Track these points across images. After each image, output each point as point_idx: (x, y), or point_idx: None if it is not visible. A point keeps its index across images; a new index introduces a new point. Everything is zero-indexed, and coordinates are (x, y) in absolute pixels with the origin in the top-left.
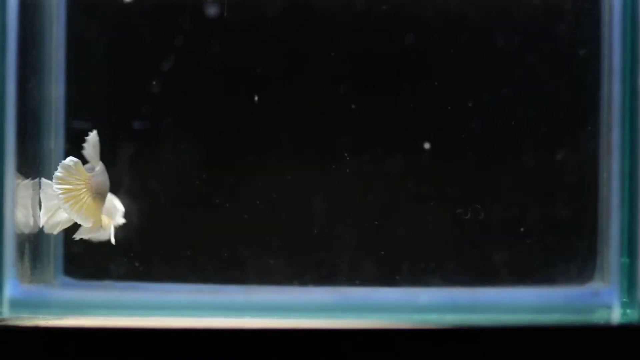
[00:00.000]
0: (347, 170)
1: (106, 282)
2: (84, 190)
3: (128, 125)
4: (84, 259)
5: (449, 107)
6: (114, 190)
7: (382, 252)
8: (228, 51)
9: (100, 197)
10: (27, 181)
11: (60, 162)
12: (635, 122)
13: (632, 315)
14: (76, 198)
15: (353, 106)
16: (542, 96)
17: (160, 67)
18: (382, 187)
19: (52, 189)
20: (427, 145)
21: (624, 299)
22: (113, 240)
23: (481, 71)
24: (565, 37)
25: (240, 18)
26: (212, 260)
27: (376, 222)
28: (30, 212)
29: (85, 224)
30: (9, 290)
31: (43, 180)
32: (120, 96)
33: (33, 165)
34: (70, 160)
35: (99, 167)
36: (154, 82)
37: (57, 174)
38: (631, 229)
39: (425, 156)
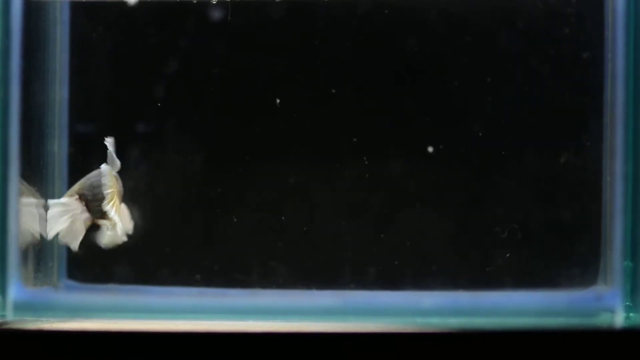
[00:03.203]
0: (351, 174)
1: (110, 285)
2: (116, 193)
3: (132, 128)
4: (87, 262)
5: (452, 110)
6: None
7: (385, 256)
8: (232, 54)
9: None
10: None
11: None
12: (639, 125)
13: (635, 319)
14: (113, 201)
15: (356, 110)
16: (546, 99)
17: (164, 70)
18: (386, 191)
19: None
20: (430, 149)
21: (627, 303)
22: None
23: (485, 74)
24: (569, 40)
25: (244, 21)
26: (216, 263)
27: (379, 226)
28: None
29: (119, 225)
30: (13, 293)
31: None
32: (124, 99)
33: (37, 168)
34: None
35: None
36: (157, 85)
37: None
38: (634, 233)
39: (429, 159)
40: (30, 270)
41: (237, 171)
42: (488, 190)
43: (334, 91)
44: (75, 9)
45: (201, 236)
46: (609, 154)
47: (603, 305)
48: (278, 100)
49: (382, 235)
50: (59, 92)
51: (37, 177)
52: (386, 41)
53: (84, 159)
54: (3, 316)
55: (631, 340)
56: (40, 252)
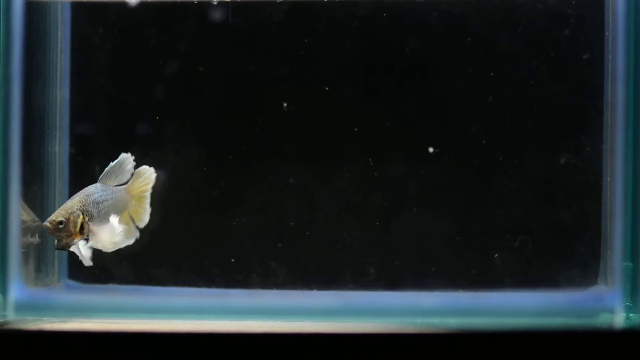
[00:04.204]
0: (351, 174)
1: (110, 286)
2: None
3: (132, 128)
4: None
5: (452, 111)
6: None
7: (386, 256)
8: (232, 54)
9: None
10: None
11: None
12: (639, 125)
13: (635, 320)
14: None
15: (356, 110)
16: (546, 100)
17: (165, 71)
18: (386, 191)
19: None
20: (430, 149)
21: (627, 303)
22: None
23: (485, 75)
24: (569, 41)
25: (245, 22)
26: (216, 263)
27: (379, 226)
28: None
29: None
30: (14, 293)
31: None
32: (125, 100)
33: (37, 169)
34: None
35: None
36: (158, 86)
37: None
38: (634, 233)
39: (429, 160)
40: (31, 270)
41: (237, 171)
42: (488, 191)
43: (333, 91)
44: (76, 9)
45: (201, 236)
46: (609, 154)
47: (603, 305)
48: (285, 105)
49: (382, 236)
50: (60, 92)
51: (38, 178)
52: (386, 41)
53: (85, 159)
54: (4, 316)
55: (631, 341)
56: (41, 252)
